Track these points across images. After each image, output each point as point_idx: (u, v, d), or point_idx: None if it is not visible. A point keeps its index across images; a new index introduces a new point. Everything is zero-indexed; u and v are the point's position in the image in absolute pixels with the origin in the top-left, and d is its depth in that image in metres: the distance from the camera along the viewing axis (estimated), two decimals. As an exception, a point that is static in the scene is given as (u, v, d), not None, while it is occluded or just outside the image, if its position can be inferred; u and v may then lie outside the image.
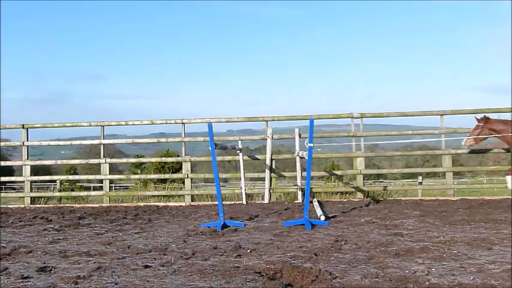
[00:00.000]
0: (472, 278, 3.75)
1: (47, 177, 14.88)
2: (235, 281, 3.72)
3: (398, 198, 10.20)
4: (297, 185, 10.33)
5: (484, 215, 7.36)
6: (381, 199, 9.97)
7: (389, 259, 4.46)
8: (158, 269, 4.22)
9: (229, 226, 6.74)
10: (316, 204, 8.85)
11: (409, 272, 3.94)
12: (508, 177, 9.49)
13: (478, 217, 7.19)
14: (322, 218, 7.21)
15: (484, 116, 9.49)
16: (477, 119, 9.55)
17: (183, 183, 11.33)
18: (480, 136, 9.45)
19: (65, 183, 19.95)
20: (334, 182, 11.30)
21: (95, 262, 4.53)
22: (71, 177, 17.64)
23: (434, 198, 10.15)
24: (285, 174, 11.62)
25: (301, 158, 9.66)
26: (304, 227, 6.50)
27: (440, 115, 10.37)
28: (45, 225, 7.32)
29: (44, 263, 4.52)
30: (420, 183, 20.74)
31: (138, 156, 30.38)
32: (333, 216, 7.56)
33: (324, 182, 12.48)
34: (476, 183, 22.39)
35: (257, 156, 11.24)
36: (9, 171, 32.10)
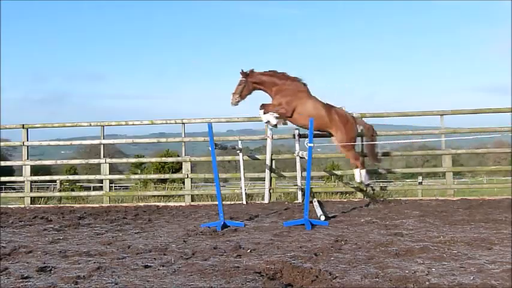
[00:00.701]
0: (472, 278, 3.75)
1: (47, 177, 14.89)
2: (235, 281, 3.73)
3: (398, 198, 10.20)
4: (297, 185, 10.33)
5: (484, 215, 7.36)
6: (381, 199, 9.97)
7: (390, 259, 4.47)
8: (158, 269, 4.23)
9: (229, 226, 6.74)
10: (316, 204, 8.85)
11: (409, 272, 3.94)
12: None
13: (478, 217, 7.19)
14: (322, 218, 7.22)
15: (245, 70, 9.32)
16: (241, 73, 9.34)
17: (183, 183, 11.34)
18: (245, 91, 9.32)
19: (65, 183, 19.96)
20: (334, 182, 11.30)
21: (95, 262, 4.54)
22: (71, 177, 17.64)
23: (434, 198, 10.17)
24: (285, 174, 11.62)
25: (301, 158, 9.66)
26: (304, 227, 6.50)
27: (440, 115, 10.36)
28: (45, 225, 7.31)
29: (44, 263, 4.53)
30: (420, 183, 20.78)
31: (138, 156, 30.38)
32: (333, 216, 7.57)
33: (324, 182, 12.47)
34: (476, 183, 22.37)
35: (257, 156, 11.24)
36: (9, 171, 32.13)
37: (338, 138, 9.22)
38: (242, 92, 9.32)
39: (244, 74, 9.32)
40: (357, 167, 9.34)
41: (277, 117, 9.20)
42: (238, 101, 9.38)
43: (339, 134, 9.16)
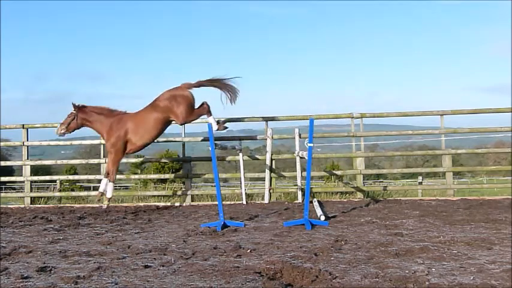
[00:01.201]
0: (472, 278, 3.76)
1: (47, 177, 14.86)
2: (235, 281, 3.74)
3: (398, 198, 10.21)
4: (297, 185, 10.33)
5: (484, 215, 7.37)
6: (381, 199, 9.98)
7: (389, 259, 4.48)
8: (158, 269, 4.24)
9: (229, 226, 6.75)
10: (316, 204, 8.86)
11: (409, 272, 3.95)
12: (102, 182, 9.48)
13: (478, 217, 7.19)
14: (322, 218, 7.22)
15: (79, 104, 9.31)
16: (73, 105, 9.33)
17: (183, 183, 11.33)
18: (72, 124, 9.33)
19: (65, 183, 19.97)
20: (334, 182, 11.32)
21: (95, 262, 4.55)
22: (70, 177, 17.64)
23: (434, 198, 10.16)
24: (285, 174, 11.62)
25: (301, 158, 9.66)
26: (304, 227, 6.51)
27: (440, 115, 10.36)
28: (45, 225, 7.32)
29: (44, 263, 4.54)
30: (420, 183, 20.78)
31: (138, 156, 30.35)
32: (333, 216, 7.57)
33: (324, 182, 12.47)
34: (476, 183, 22.40)
35: (257, 156, 11.23)
36: (9, 171, 32.16)
37: (178, 117, 9.16)
38: (69, 125, 9.37)
39: (76, 107, 9.30)
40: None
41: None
42: (64, 132, 9.44)
43: (176, 112, 9.08)
